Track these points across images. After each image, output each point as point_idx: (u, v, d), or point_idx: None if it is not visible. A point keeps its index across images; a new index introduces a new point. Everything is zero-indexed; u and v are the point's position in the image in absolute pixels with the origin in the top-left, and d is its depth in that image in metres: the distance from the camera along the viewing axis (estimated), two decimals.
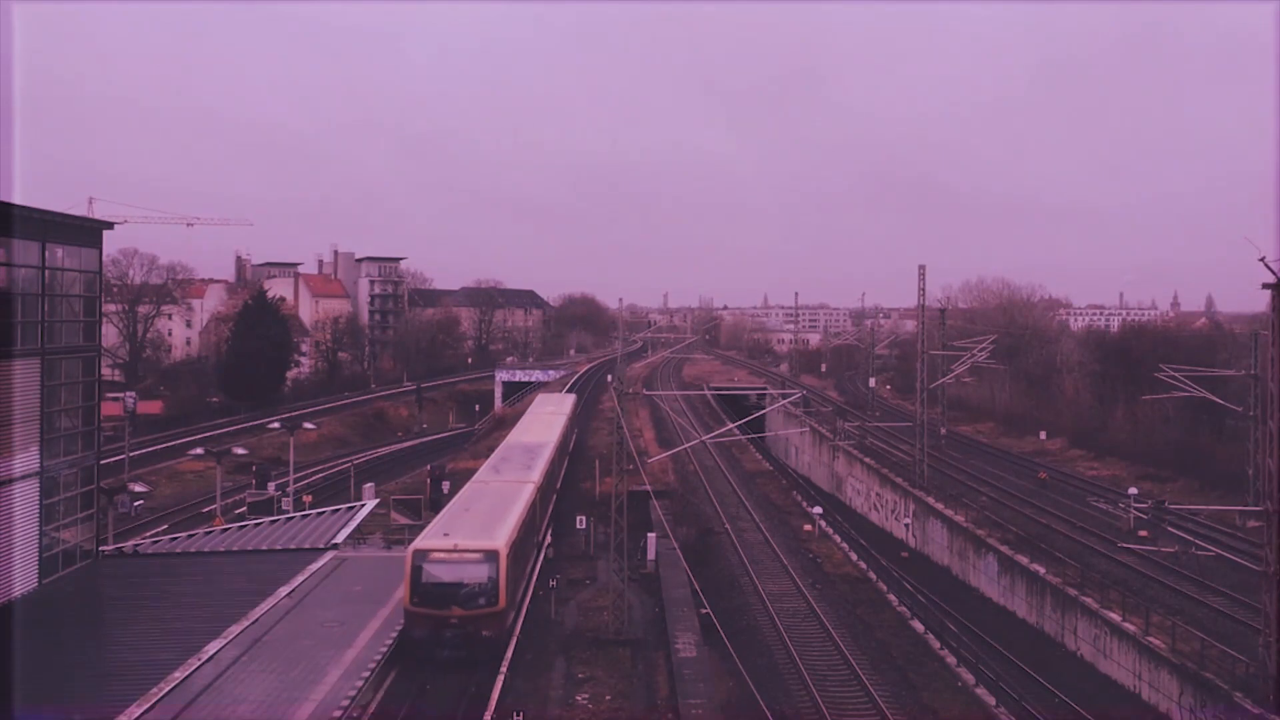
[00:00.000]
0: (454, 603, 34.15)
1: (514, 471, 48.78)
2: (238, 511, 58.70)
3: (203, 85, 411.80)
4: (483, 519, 39.04)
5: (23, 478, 33.92)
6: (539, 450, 54.37)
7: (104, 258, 40.37)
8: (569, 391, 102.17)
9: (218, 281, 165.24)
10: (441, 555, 34.95)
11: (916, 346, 75.21)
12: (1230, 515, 55.17)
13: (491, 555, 35.09)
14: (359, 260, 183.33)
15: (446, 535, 36.30)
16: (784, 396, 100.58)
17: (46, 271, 35.30)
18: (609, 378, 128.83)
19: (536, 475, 47.39)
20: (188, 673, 27.90)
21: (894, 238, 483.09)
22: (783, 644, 40.39)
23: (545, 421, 66.86)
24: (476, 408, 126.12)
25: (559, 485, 61.07)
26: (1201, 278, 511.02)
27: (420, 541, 36.00)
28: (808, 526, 62.71)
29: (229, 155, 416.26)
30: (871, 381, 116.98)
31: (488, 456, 56.28)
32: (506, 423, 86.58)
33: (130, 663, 29.52)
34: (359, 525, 46.98)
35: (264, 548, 43.00)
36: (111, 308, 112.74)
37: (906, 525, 61.46)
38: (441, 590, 34.23)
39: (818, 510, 64.28)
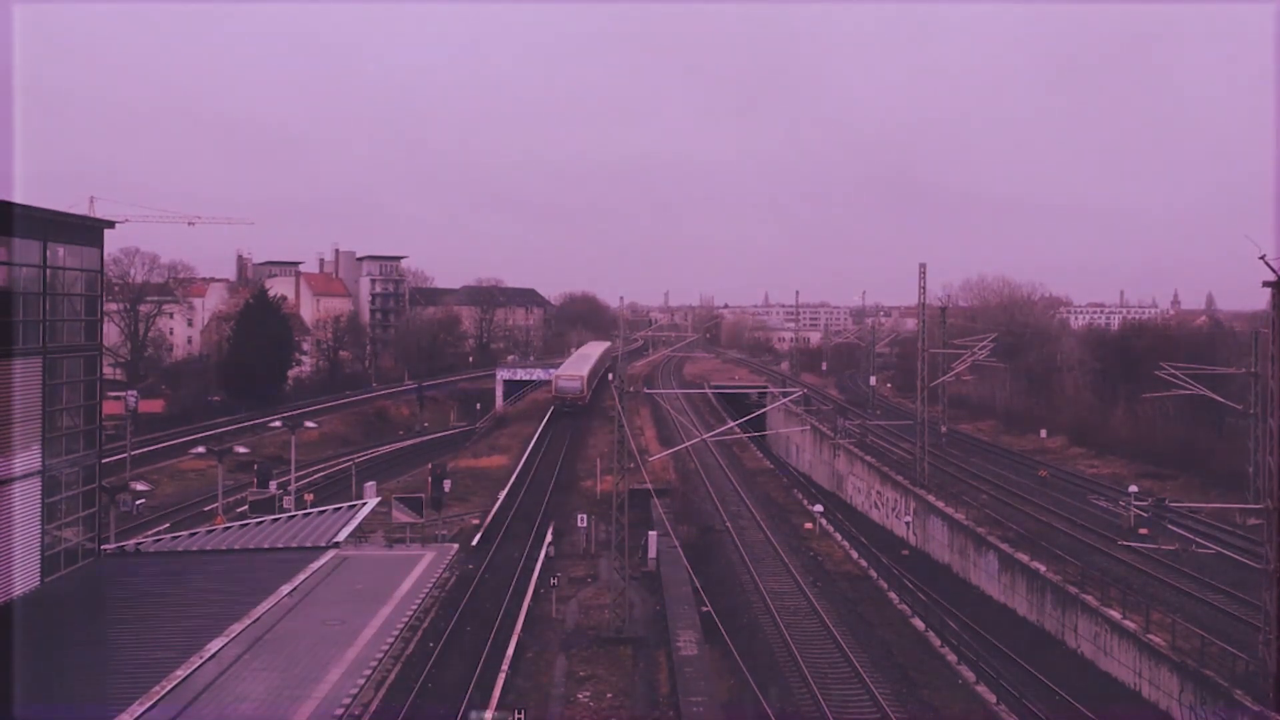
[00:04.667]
0: (569, 395, 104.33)
1: (580, 361, 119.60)
2: (239, 510, 58.75)
3: (204, 85, 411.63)
4: (576, 366, 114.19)
5: (24, 476, 33.93)
6: (590, 356, 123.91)
7: (105, 257, 40.40)
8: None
9: (219, 280, 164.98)
10: (564, 377, 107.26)
11: (917, 345, 75.14)
12: (1230, 513, 55.31)
13: (581, 377, 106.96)
14: (360, 259, 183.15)
15: (564, 371, 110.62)
16: (785, 395, 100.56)
17: (48, 270, 35.30)
18: (609, 376, 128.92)
19: (593, 362, 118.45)
20: (189, 671, 27.88)
21: (894, 237, 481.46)
22: (784, 642, 40.45)
23: (592, 349, 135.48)
24: (478, 406, 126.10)
25: (600, 373, 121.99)
26: (1202, 276, 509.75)
27: (556, 373, 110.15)
28: (808, 524, 62.80)
29: (230, 155, 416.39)
30: (872, 380, 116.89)
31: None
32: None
33: (132, 661, 29.51)
34: (360, 524, 47.00)
35: (265, 546, 42.98)
36: (113, 307, 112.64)
37: (907, 523, 61.51)
38: (564, 390, 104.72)
39: (818, 508, 64.31)
